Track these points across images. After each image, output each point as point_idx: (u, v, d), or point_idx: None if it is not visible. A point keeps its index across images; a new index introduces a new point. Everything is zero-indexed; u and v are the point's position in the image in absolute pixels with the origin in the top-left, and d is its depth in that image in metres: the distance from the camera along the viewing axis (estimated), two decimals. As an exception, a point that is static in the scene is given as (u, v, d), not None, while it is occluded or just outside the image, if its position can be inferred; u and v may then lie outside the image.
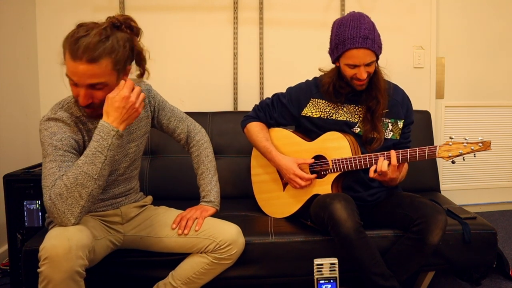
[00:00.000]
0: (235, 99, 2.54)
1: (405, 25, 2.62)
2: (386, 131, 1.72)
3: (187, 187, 2.07)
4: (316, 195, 1.69)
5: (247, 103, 2.51)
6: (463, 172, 2.86)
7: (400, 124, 1.75)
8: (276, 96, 1.86)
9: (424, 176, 2.26)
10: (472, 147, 1.48)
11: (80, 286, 1.21)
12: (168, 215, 1.60)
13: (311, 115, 1.76)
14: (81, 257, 1.18)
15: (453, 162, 1.51)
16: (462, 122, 2.81)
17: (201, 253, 1.51)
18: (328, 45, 1.70)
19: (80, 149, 1.37)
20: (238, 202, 2.03)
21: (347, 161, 1.65)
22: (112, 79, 1.32)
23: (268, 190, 1.88)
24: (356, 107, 1.73)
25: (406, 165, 1.76)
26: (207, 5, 2.49)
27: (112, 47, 1.28)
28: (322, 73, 1.78)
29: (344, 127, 1.72)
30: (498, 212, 2.90)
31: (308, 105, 1.77)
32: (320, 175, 1.73)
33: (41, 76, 2.44)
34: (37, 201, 1.82)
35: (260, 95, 2.55)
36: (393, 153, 1.56)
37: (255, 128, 1.84)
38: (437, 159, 2.22)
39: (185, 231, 1.51)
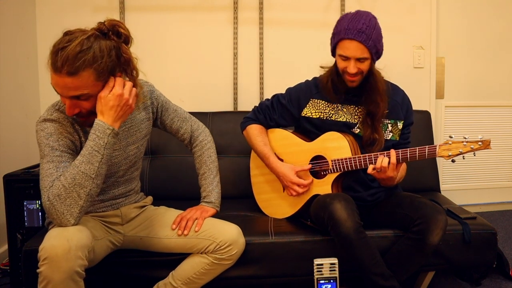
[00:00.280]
0: (235, 99, 2.54)
1: (405, 25, 2.62)
2: (386, 132, 1.72)
3: (187, 187, 2.07)
4: (316, 195, 1.69)
5: (247, 103, 2.52)
6: (463, 172, 2.86)
7: (400, 125, 1.74)
8: (276, 97, 1.86)
9: (424, 176, 2.26)
10: (471, 146, 1.48)
11: (80, 286, 1.21)
12: (168, 215, 1.60)
13: (311, 116, 1.76)
14: (80, 257, 1.18)
15: (453, 161, 1.51)
16: (462, 122, 2.81)
17: (201, 253, 1.51)
18: (328, 45, 1.70)
19: (77, 149, 1.37)
20: (238, 202, 2.03)
21: (347, 161, 1.65)
22: (96, 90, 1.28)
23: (268, 190, 1.88)
24: (356, 108, 1.73)
25: (404, 166, 1.76)
26: (207, 5, 2.49)
27: (94, 57, 1.23)
28: (323, 71, 1.77)
29: (343, 128, 1.72)
30: (498, 212, 2.90)
31: (307, 105, 1.77)
32: (320, 175, 1.72)
33: (41, 76, 2.44)
34: (37, 201, 1.82)
35: (260, 95, 2.55)
36: (393, 152, 1.56)
37: (254, 132, 1.84)
38: (437, 159, 2.23)
39: (185, 232, 1.51)
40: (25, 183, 1.82)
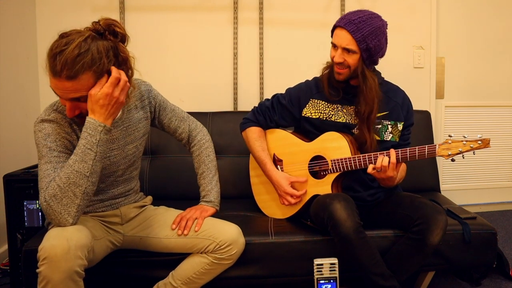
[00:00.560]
0: (235, 99, 2.54)
1: (405, 25, 2.62)
2: (386, 133, 1.72)
3: (187, 187, 2.07)
4: (316, 195, 1.69)
5: (247, 103, 2.52)
6: (463, 172, 2.86)
7: (400, 126, 1.74)
8: (276, 97, 1.85)
9: (424, 176, 2.26)
10: (471, 145, 1.48)
11: (79, 286, 1.21)
12: (167, 215, 1.60)
13: (310, 116, 1.76)
14: (80, 257, 1.18)
15: (452, 160, 1.51)
16: (462, 122, 2.81)
17: (201, 253, 1.51)
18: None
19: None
20: (238, 202, 2.03)
21: (346, 161, 1.64)
22: None
23: (268, 191, 1.88)
24: (356, 109, 1.72)
25: (404, 167, 1.76)
26: (207, 5, 2.49)
27: (92, 59, 1.22)
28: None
29: (343, 129, 1.71)
30: (498, 212, 2.90)
31: (307, 105, 1.77)
32: (319, 176, 1.72)
33: (41, 76, 2.44)
34: (37, 201, 1.83)
35: (260, 95, 2.55)
36: (392, 151, 1.56)
37: (253, 136, 1.83)
38: (437, 159, 2.23)
39: (185, 232, 1.51)
40: (25, 183, 1.82)
